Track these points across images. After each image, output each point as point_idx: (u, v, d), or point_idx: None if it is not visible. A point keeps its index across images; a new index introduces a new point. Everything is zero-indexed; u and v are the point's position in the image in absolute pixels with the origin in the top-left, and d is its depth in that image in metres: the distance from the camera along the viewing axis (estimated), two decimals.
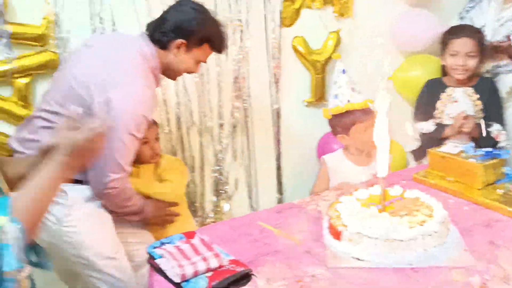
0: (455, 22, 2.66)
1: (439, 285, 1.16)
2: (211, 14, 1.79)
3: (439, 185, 1.72)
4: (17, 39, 1.99)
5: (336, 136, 2.09)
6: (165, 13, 1.75)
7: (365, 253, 1.28)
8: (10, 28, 1.96)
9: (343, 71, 1.96)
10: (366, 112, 1.93)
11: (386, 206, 1.43)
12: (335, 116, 2.02)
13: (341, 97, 1.96)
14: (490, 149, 1.68)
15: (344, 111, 1.99)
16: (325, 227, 1.46)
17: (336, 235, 1.36)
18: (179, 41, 1.70)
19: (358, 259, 1.29)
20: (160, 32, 1.71)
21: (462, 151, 1.76)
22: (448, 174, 1.75)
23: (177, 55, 1.73)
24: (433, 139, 2.35)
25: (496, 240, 1.35)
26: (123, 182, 1.59)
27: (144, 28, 1.80)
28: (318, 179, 2.11)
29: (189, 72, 1.84)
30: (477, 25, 2.52)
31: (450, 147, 1.81)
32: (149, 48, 1.69)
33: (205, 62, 1.85)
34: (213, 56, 2.37)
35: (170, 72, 1.79)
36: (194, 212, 2.50)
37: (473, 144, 1.76)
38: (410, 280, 1.19)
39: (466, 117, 2.27)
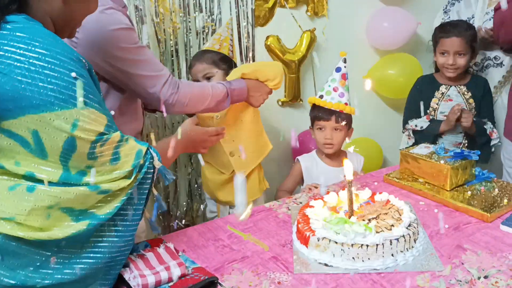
0: (440, 16, 2.66)
1: None
2: None
3: (410, 187, 1.72)
4: None
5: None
6: None
7: (332, 259, 1.27)
8: None
9: (336, 69, 1.97)
10: (330, 113, 1.96)
11: (354, 210, 1.42)
12: (312, 106, 2.08)
13: (320, 91, 2.01)
14: (459, 151, 1.68)
15: (312, 103, 2.04)
16: (294, 231, 1.45)
17: (304, 240, 1.34)
18: None
19: (326, 265, 1.27)
20: None
21: (433, 152, 1.75)
22: (419, 175, 1.74)
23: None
24: (428, 136, 2.35)
25: (464, 244, 1.35)
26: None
27: None
28: (288, 177, 2.12)
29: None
30: (463, 18, 2.51)
31: (421, 148, 1.80)
32: None
33: None
34: (185, 55, 2.35)
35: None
36: (169, 214, 2.47)
37: (443, 145, 1.75)
38: (376, 286, 1.17)
39: (462, 110, 2.26)
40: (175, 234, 1.54)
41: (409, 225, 1.33)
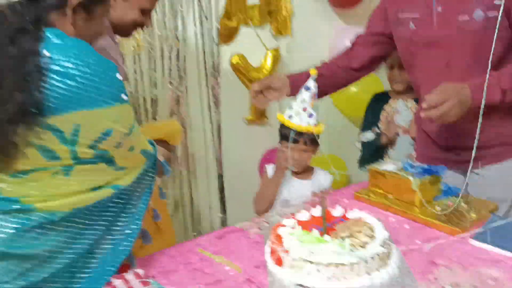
0: None
1: None
2: None
3: (380, 203, 1.72)
4: None
5: None
6: None
7: (308, 280, 1.24)
8: None
9: (306, 88, 1.92)
10: (299, 135, 1.95)
11: (328, 228, 1.40)
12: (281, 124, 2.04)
13: (289, 110, 1.97)
14: (427, 166, 1.70)
15: (280, 121, 2.01)
16: (267, 252, 1.41)
17: (278, 261, 1.31)
18: None
19: (301, 286, 1.24)
20: None
21: (400, 168, 1.77)
22: (388, 191, 1.75)
23: (115, 6, 1.62)
24: (372, 147, 2.42)
25: (437, 259, 1.35)
26: None
27: None
28: (260, 187, 2.11)
29: (138, 26, 1.75)
30: None
31: (389, 164, 1.82)
32: None
33: (150, 10, 1.75)
34: (149, 73, 2.31)
35: (118, 28, 1.72)
36: None
37: (411, 161, 1.77)
38: None
39: (390, 122, 2.33)
40: (143, 259, 1.48)
41: (383, 243, 1.33)
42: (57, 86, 1.08)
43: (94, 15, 1.31)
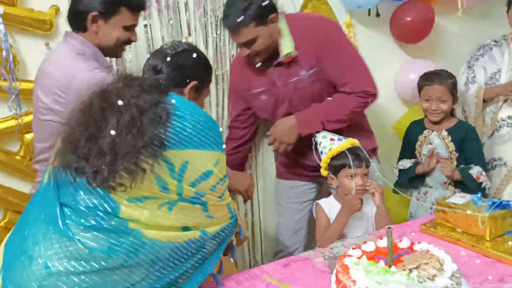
0: (463, 71, 2.72)
1: None
2: None
3: (448, 237, 1.69)
4: (25, 95, 2.03)
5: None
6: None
7: None
8: (19, 85, 2.00)
9: (316, 136, 2.13)
10: (359, 160, 1.95)
11: (394, 260, 1.40)
12: (334, 157, 2.05)
13: (323, 144, 2.07)
14: (497, 200, 1.66)
15: (332, 155, 2.02)
16: (333, 281, 1.43)
17: None
18: (90, 15, 1.76)
19: None
20: (73, 19, 1.81)
21: (469, 202, 1.73)
22: (456, 225, 1.72)
23: (99, 30, 1.78)
24: (407, 175, 2.51)
25: None
26: None
27: None
28: (320, 224, 2.04)
29: (125, 43, 1.87)
30: (489, 72, 2.65)
31: (457, 197, 1.79)
32: (76, 39, 1.78)
33: (134, 26, 1.87)
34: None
35: (107, 50, 1.83)
36: None
37: (480, 195, 1.73)
38: None
39: (432, 155, 2.42)
40: (211, 283, 1.54)
41: (452, 276, 1.30)
42: (177, 126, 1.31)
43: (201, 95, 1.82)
